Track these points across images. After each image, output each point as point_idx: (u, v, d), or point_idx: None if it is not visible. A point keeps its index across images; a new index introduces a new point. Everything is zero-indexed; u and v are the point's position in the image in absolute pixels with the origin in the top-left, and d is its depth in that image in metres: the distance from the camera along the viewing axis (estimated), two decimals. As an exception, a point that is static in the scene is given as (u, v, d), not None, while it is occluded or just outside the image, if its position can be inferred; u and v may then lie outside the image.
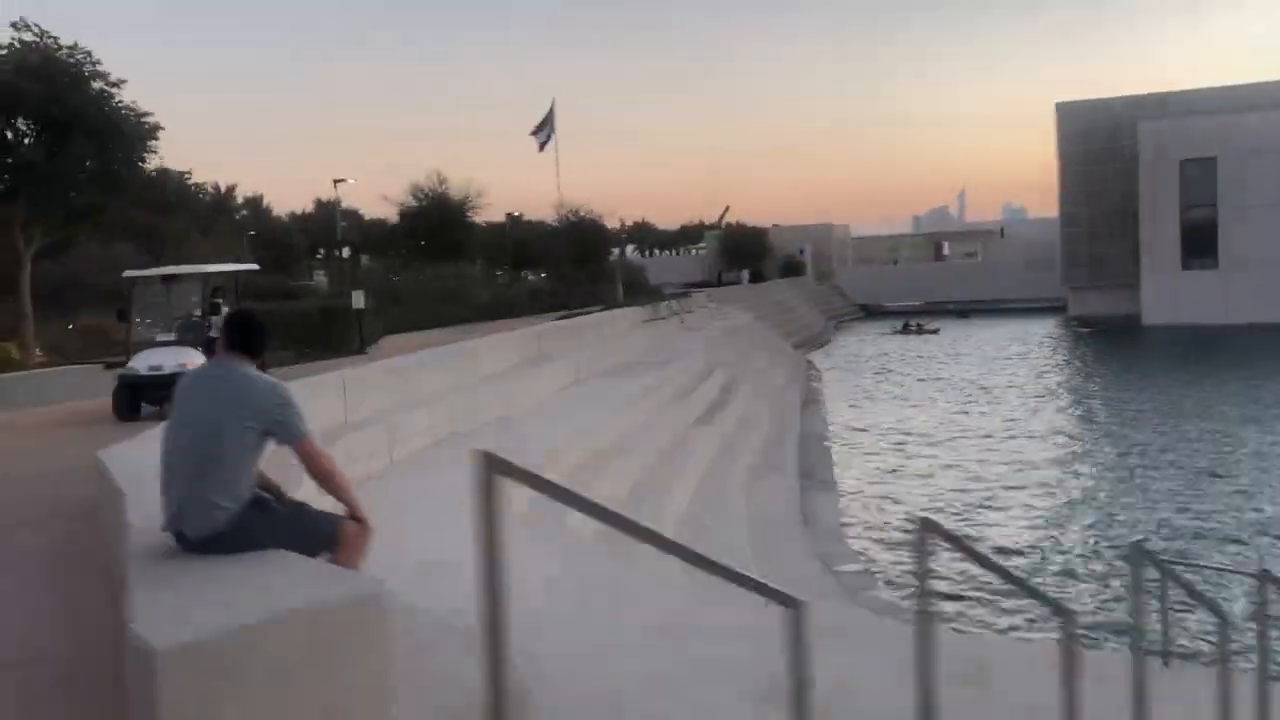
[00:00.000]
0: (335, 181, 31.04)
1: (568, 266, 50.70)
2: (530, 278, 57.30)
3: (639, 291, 57.91)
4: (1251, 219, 53.80)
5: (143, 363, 15.11)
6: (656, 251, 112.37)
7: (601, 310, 35.78)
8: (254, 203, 63.85)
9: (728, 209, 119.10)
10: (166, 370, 14.45)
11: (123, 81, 21.20)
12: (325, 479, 4.23)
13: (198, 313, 16.30)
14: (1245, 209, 53.99)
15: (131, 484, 5.34)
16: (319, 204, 73.48)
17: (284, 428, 4.08)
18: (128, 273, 17.04)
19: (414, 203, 43.89)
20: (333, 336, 24.18)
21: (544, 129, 55.88)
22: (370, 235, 45.67)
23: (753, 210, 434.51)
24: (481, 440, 13.19)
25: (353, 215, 74.28)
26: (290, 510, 4.29)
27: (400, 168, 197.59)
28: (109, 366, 17.05)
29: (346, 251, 49.27)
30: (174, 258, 30.00)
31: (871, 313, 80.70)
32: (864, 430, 28.51)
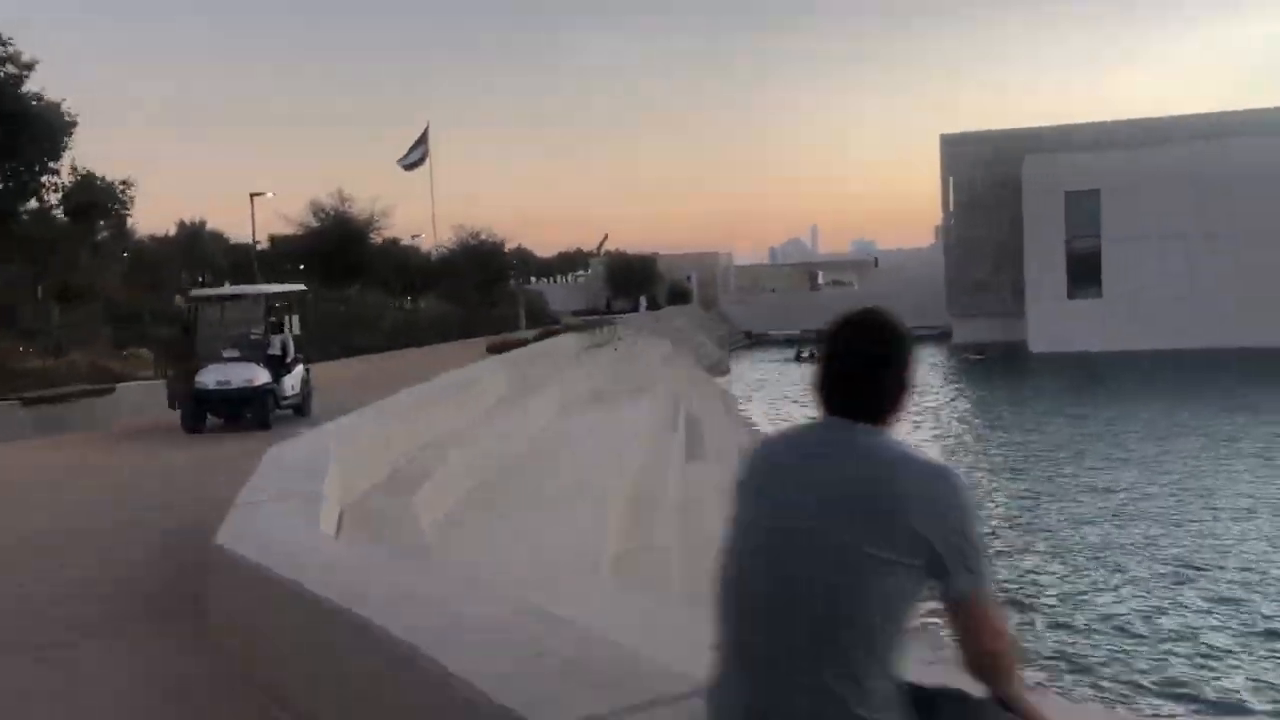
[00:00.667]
0: (253, 195, 28.11)
1: (470, 291, 48.55)
2: (421, 303, 54.86)
3: (541, 318, 56.17)
4: (1132, 250, 55.83)
5: (210, 377, 16.17)
6: (533, 279, 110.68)
7: (537, 337, 33.96)
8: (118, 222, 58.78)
9: (606, 237, 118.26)
10: (234, 385, 16.00)
11: (36, 63, 18.34)
12: (990, 657, 2.20)
13: (258, 331, 17.49)
14: (1126, 240, 56.01)
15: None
16: (181, 226, 68.92)
17: (962, 561, 2.13)
18: (194, 292, 19.37)
19: (314, 222, 40.98)
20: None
21: (415, 150, 53.86)
22: (263, 257, 42.35)
23: (625, 238, 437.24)
24: (525, 488, 11.38)
25: (219, 239, 69.93)
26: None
27: (281, 190, 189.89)
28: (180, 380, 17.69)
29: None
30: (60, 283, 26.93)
31: (757, 340, 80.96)
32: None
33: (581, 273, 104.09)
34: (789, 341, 75.76)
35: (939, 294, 79.68)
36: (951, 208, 70.49)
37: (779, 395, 45.27)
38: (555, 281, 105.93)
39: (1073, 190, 57.01)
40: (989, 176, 68.06)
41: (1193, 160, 55.39)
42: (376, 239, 43.05)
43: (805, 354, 63.72)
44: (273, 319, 17.80)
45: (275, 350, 17.39)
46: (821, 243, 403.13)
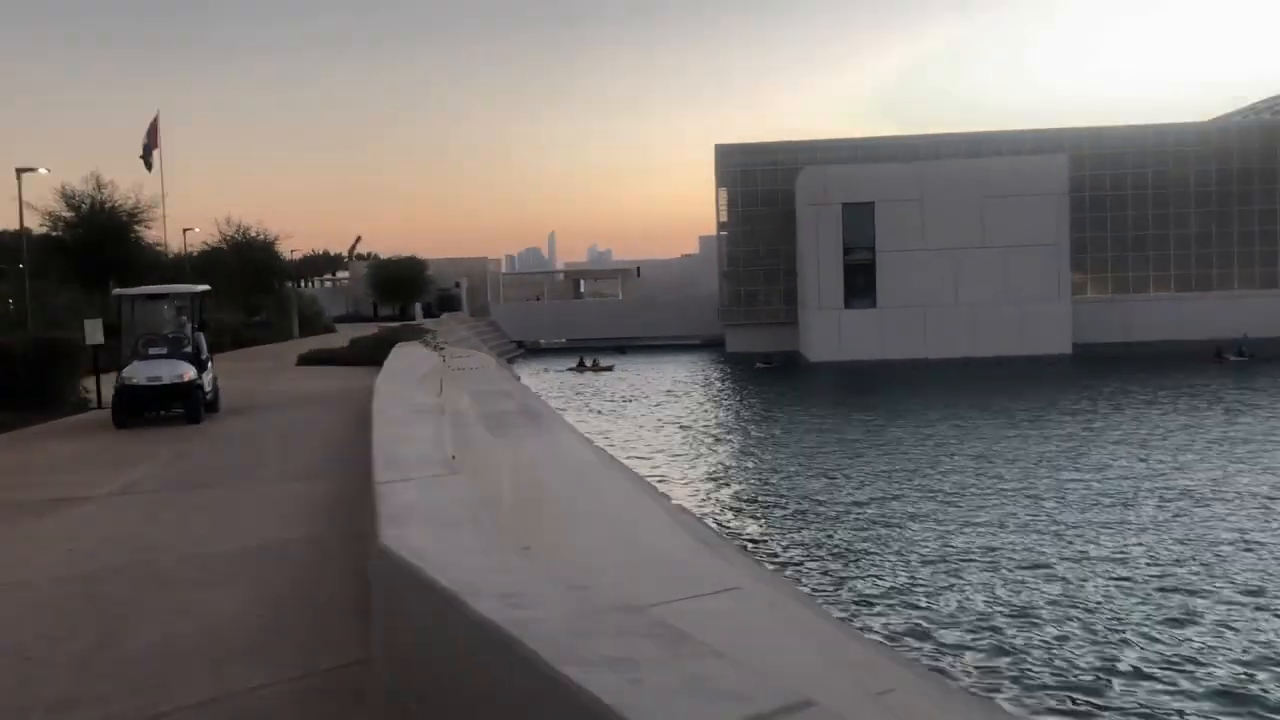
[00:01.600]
0: (20, 171, 22.85)
1: (238, 293, 43.56)
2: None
3: (315, 325, 51.50)
4: (903, 262, 58.10)
5: (140, 373, 16.53)
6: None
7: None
8: None
9: (359, 239, 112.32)
10: (165, 381, 16.48)
11: None
12: None
13: (180, 329, 18.04)
14: (899, 252, 58.21)
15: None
16: None
17: None
18: (116, 291, 19.05)
19: (68, 212, 34.73)
20: (50, 387, 17.56)
21: (148, 145, 48.73)
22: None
23: (377, 243, 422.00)
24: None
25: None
26: None
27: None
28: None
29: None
30: None
31: (529, 349, 78.88)
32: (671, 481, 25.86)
33: (342, 275, 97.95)
34: (565, 350, 74.43)
35: (705, 304, 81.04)
36: (725, 218, 71.21)
37: (580, 406, 43.46)
38: (308, 286, 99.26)
39: (850, 202, 58.65)
40: (762, 187, 69.35)
41: (960, 175, 58.37)
42: (144, 233, 37.32)
43: (589, 363, 62.31)
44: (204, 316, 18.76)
45: (191, 348, 17.75)
46: (559, 251, 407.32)
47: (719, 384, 53.48)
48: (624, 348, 75.92)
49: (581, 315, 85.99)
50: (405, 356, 23.44)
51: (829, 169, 60.39)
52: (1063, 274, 58.03)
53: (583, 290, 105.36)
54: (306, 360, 24.96)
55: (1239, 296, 63.94)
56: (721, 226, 71.75)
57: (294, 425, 17.05)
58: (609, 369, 61.41)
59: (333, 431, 15.73)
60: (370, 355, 25.68)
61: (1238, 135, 66.34)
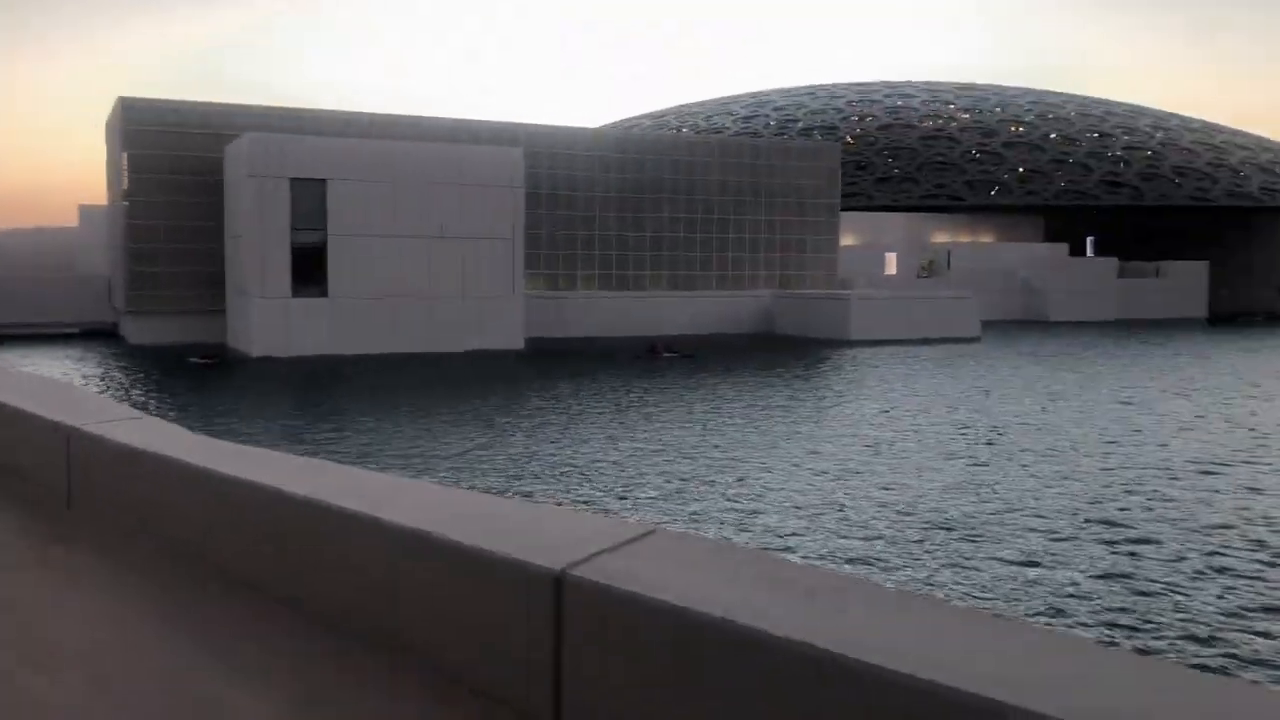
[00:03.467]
0: None
1: None
2: None
3: None
4: (360, 248, 52.83)
5: None
6: None
7: None
8: None
9: None
10: None
11: None
12: None
13: None
14: (354, 237, 52.77)
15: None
16: None
17: None
18: None
19: None
20: None
21: None
22: None
23: None
24: None
25: None
26: None
27: None
28: None
29: None
30: None
31: None
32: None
33: None
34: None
35: (85, 285, 67.76)
36: (125, 185, 59.52)
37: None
38: None
39: (298, 178, 51.76)
40: (178, 152, 59.12)
41: (428, 159, 54.52)
42: None
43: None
44: None
45: None
46: None
47: (151, 385, 43.31)
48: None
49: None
50: None
51: (278, 138, 52.77)
52: (517, 269, 57.11)
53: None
54: None
55: (655, 297, 68.74)
56: (124, 196, 59.80)
57: None
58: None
59: None
60: None
61: (652, 145, 71.34)
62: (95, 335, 64.71)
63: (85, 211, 75.85)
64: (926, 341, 63.66)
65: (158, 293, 59.15)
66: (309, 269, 52.48)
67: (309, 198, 52.04)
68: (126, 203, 59.44)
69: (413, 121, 63.04)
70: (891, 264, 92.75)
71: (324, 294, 52.76)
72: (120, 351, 56.63)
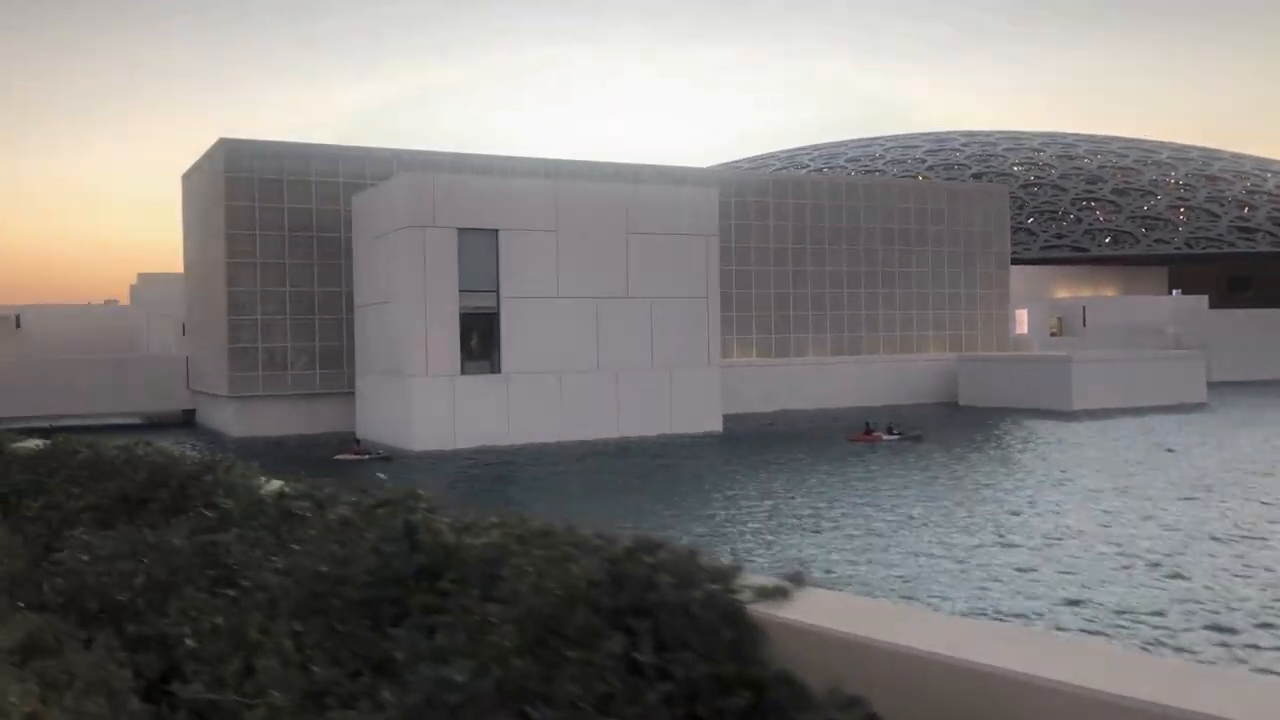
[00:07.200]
0: None
1: None
2: None
3: None
4: (535, 313, 42.86)
5: None
6: None
7: None
8: None
9: None
10: None
11: None
12: None
13: None
14: (529, 300, 42.85)
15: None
16: None
17: None
18: None
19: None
20: None
21: None
22: None
23: None
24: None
25: None
26: None
27: None
28: None
29: None
30: None
31: None
32: None
33: None
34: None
35: (154, 367, 57.26)
36: (224, 245, 49.28)
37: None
38: None
39: (468, 227, 41.81)
40: (286, 206, 49.13)
41: (603, 200, 44.80)
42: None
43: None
44: None
45: None
46: None
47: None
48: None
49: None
50: None
51: (444, 178, 42.86)
52: (713, 333, 47.17)
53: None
54: None
55: (829, 364, 59.05)
56: (226, 256, 49.43)
57: None
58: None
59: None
60: None
61: (811, 188, 62.13)
62: (164, 426, 54.18)
63: (146, 280, 64.93)
64: (1157, 409, 54.25)
65: (268, 374, 48.65)
66: (479, 340, 42.40)
67: (478, 251, 42.09)
68: (226, 263, 49.03)
69: (573, 166, 53.43)
70: (1022, 322, 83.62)
71: (495, 369, 42.60)
72: (222, 445, 45.99)
